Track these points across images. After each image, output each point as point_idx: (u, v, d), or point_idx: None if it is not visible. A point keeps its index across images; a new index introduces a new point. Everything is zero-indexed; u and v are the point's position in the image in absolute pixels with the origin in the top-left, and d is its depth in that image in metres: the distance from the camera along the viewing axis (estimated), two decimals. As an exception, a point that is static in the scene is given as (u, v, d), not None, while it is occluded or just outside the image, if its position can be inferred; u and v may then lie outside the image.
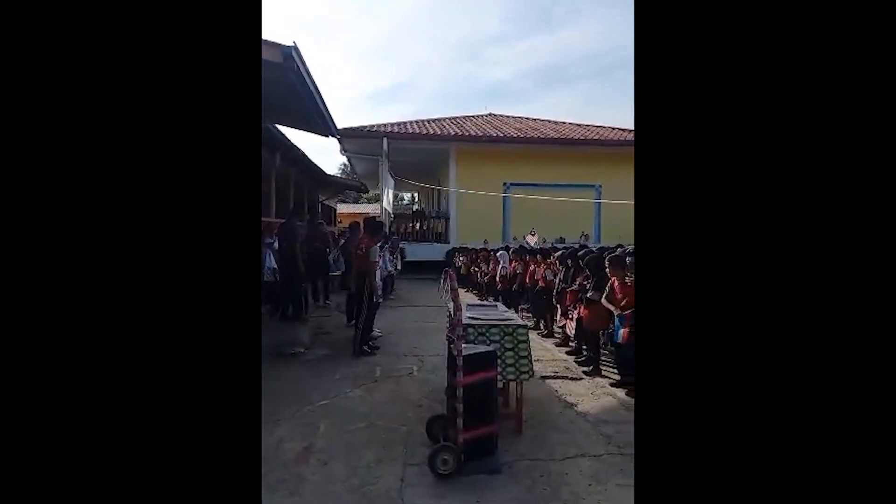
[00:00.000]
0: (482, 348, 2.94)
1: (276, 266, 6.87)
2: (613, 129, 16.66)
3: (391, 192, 14.00)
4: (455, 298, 2.81)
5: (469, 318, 3.41)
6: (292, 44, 5.06)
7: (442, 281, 2.96)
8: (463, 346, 2.84)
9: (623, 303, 4.07)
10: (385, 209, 13.81)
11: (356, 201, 33.79)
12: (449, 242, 14.61)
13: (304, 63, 5.38)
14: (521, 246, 9.13)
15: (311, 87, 5.98)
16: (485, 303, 4.25)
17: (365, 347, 5.30)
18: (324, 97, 6.73)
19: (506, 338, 3.21)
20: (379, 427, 3.32)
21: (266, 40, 5.04)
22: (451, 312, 3.30)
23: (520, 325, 3.34)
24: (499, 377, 3.12)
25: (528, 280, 7.25)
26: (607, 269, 4.32)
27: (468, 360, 2.70)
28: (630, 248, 5.61)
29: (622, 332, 3.99)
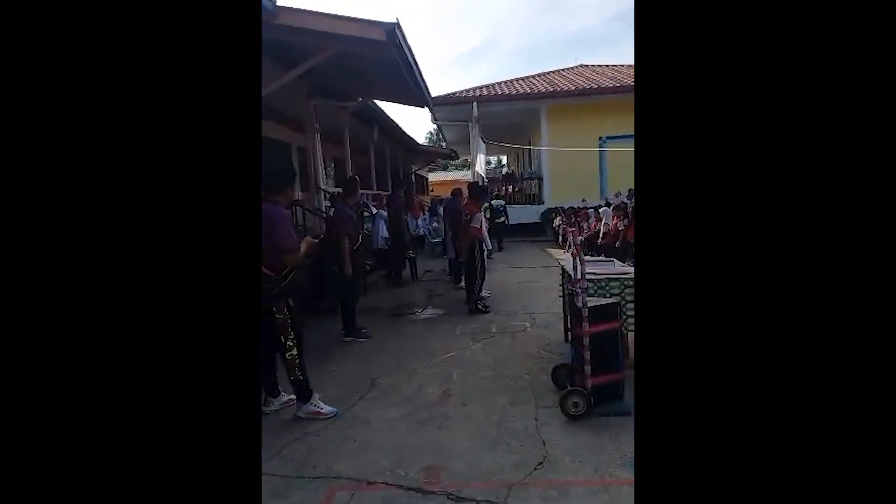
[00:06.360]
0: (605, 300, 3.07)
1: (387, 235, 7.41)
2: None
3: (483, 156, 14.07)
4: (578, 254, 2.94)
5: (588, 272, 3.52)
6: (395, 20, 5.28)
7: (561, 239, 3.10)
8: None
9: None
10: (479, 174, 13.97)
11: (445, 168, 34.24)
12: (543, 203, 14.48)
13: (405, 39, 5.61)
14: (622, 202, 8.88)
15: (412, 62, 6.22)
16: (600, 259, 4.30)
17: (479, 306, 5.63)
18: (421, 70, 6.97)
19: (626, 290, 3.30)
20: (505, 375, 3.61)
21: (369, 20, 5.34)
22: (565, 270, 3.45)
23: (640, 278, 3.40)
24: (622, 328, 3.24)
25: (629, 236, 7.11)
26: None
27: (594, 311, 2.85)
28: None
29: None
